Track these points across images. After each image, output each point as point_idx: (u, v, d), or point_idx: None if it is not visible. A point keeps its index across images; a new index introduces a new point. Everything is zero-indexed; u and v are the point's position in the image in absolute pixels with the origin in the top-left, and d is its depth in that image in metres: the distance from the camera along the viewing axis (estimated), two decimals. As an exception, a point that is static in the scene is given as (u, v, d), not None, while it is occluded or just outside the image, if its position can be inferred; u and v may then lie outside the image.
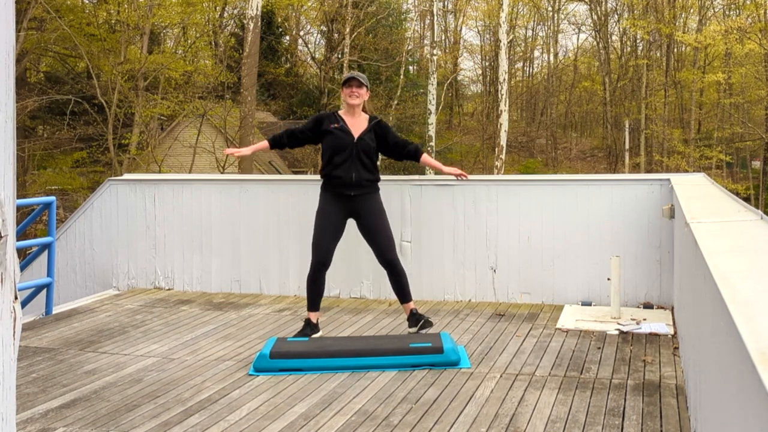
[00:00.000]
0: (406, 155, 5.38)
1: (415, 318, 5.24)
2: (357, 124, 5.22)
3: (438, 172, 5.55)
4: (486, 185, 6.36)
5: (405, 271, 5.29)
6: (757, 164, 33.26)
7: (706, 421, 2.52)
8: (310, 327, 5.21)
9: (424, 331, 5.15)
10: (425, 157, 5.47)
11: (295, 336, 5.17)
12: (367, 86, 5.25)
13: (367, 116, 5.30)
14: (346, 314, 5.97)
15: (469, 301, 6.34)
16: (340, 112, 5.28)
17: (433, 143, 24.20)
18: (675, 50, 35.32)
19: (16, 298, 1.26)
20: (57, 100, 23.72)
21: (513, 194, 6.27)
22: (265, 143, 5.44)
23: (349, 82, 5.21)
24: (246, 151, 5.65)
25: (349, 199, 5.18)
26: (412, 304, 5.30)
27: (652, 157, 32.00)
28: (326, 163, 5.22)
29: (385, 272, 5.29)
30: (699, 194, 4.79)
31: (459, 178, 5.62)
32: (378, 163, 5.36)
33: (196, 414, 3.81)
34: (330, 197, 5.22)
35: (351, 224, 5.31)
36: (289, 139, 5.37)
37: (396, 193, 6.37)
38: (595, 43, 40.48)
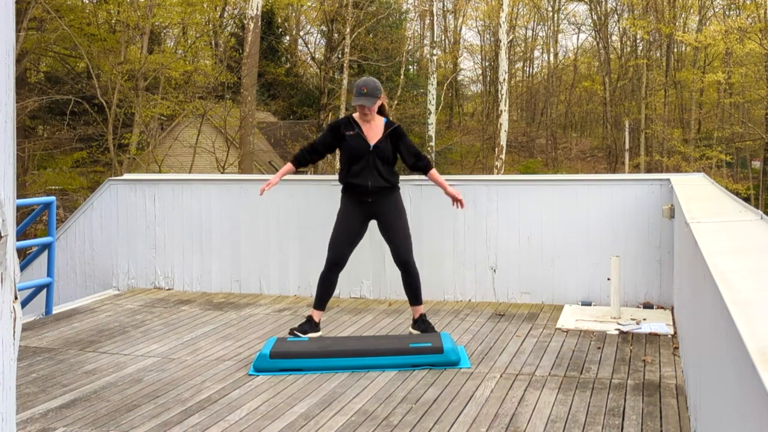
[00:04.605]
0: (416, 168, 5.31)
1: (423, 325, 5.21)
2: (373, 130, 5.15)
3: (443, 190, 5.37)
4: (486, 185, 6.36)
5: (418, 273, 5.25)
6: (757, 164, 33.24)
7: (706, 421, 2.52)
8: (310, 324, 5.21)
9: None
10: (433, 173, 5.32)
11: (292, 329, 5.19)
12: (378, 96, 5.11)
13: (383, 120, 5.22)
14: (346, 314, 5.97)
15: (469, 301, 6.34)
16: (356, 116, 5.21)
17: (433, 143, 24.20)
18: (675, 50, 35.32)
19: (16, 298, 1.26)
20: (57, 100, 23.71)
21: (513, 194, 6.27)
22: (290, 166, 5.32)
23: (360, 104, 5.07)
24: (275, 179, 5.39)
25: (368, 204, 5.18)
26: (422, 309, 5.27)
27: (652, 157, 32.00)
28: (344, 171, 5.21)
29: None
30: (699, 194, 4.79)
31: (455, 204, 5.29)
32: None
33: (196, 414, 3.81)
34: (350, 201, 5.23)
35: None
36: (311, 155, 5.32)
37: (396, 193, 6.37)
38: (595, 43, 40.48)
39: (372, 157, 5.09)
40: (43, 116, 26.06)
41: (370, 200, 5.16)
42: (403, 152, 5.24)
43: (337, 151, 5.47)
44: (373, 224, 5.32)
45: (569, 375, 4.34)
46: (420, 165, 5.29)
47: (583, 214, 6.11)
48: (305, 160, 5.35)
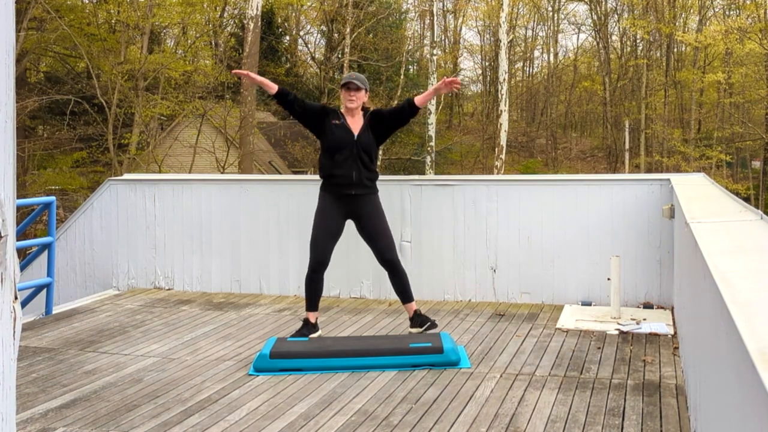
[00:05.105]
0: (407, 115, 5.25)
1: (419, 319, 5.22)
2: (356, 122, 5.22)
3: (437, 96, 5.39)
4: (486, 185, 6.36)
5: (405, 270, 5.27)
6: (757, 164, 33.25)
7: (706, 421, 2.52)
8: (307, 327, 5.20)
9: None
10: (419, 98, 5.29)
11: (293, 336, 5.18)
12: (365, 88, 5.22)
13: (362, 112, 5.28)
14: (346, 314, 5.97)
15: (469, 301, 6.34)
16: (342, 110, 5.27)
17: (433, 143, 24.20)
18: (675, 50, 35.33)
19: (16, 298, 1.26)
20: (57, 100, 23.71)
21: (513, 194, 6.27)
22: (274, 86, 5.25)
23: (347, 85, 5.18)
24: (255, 76, 5.47)
25: (350, 199, 5.16)
26: (414, 305, 5.28)
27: (652, 157, 32.00)
28: (327, 162, 5.19)
29: (385, 272, 5.29)
30: (699, 194, 4.79)
31: (451, 88, 5.15)
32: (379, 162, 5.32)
33: (196, 414, 3.81)
34: (330, 198, 5.20)
35: (351, 224, 5.31)
36: (295, 101, 5.23)
37: (396, 193, 6.37)
38: (595, 43, 40.49)
39: (356, 149, 5.12)
40: (43, 116, 26.06)
41: (353, 192, 5.14)
42: (390, 118, 5.22)
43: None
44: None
45: (569, 375, 4.34)
46: (403, 106, 5.25)
47: (583, 214, 6.11)
48: (287, 98, 5.22)
